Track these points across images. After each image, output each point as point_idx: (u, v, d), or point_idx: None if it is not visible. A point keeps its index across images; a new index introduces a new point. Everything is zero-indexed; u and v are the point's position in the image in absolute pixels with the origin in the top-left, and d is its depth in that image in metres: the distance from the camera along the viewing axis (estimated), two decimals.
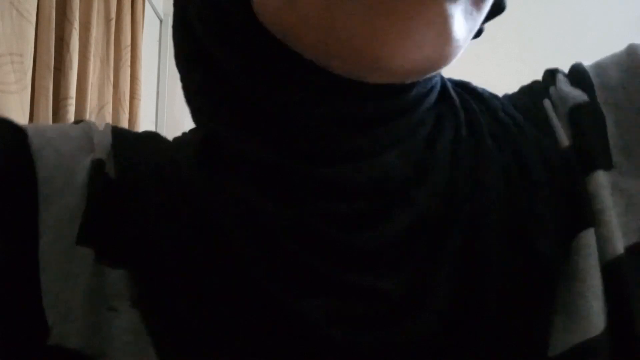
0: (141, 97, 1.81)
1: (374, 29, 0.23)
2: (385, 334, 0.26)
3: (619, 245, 0.28)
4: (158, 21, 2.19)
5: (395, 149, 0.28)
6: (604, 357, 0.26)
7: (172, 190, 0.30)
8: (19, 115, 1.15)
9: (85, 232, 0.28)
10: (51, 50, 1.29)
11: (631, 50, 0.33)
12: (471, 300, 0.27)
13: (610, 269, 0.27)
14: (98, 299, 0.27)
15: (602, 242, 0.28)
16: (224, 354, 0.26)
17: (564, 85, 0.33)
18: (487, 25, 0.32)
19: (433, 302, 0.26)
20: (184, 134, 0.35)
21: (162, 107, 2.16)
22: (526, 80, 0.38)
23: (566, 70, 0.35)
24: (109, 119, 1.60)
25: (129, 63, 1.73)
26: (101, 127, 0.34)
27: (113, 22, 1.65)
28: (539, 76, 0.37)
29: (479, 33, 0.31)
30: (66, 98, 1.35)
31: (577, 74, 0.34)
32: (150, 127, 2.07)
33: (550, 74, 0.35)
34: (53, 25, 1.29)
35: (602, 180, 0.29)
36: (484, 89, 0.35)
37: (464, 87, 0.35)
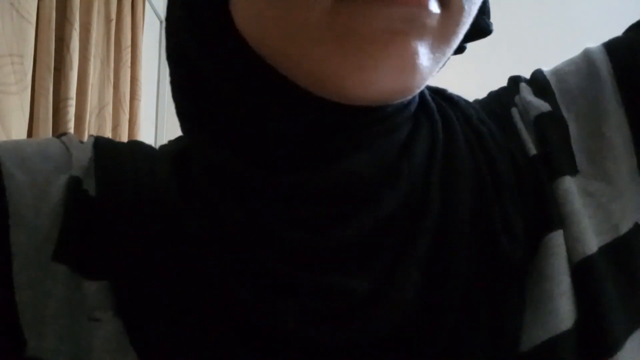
0: (141, 97, 1.81)
1: (338, 60, 0.24)
2: (352, 331, 0.27)
3: (591, 245, 0.29)
4: (158, 22, 2.19)
5: (366, 153, 0.29)
6: (572, 351, 0.27)
7: (148, 203, 0.31)
8: (19, 116, 1.16)
9: (60, 249, 0.29)
10: (51, 51, 1.29)
11: (588, 57, 0.34)
12: (438, 297, 0.28)
13: (582, 268, 0.29)
14: (76, 312, 0.28)
15: (572, 242, 0.29)
16: (198, 356, 0.27)
17: (527, 94, 0.34)
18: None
19: (400, 299, 0.27)
20: (169, 142, 0.36)
21: (163, 108, 2.16)
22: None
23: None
24: (109, 119, 1.60)
25: (129, 64, 1.74)
26: (85, 139, 0.34)
27: (113, 23, 1.66)
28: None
29: (461, 50, 0.33)
30: (66, 99, 1.36)
31: (539, 83, 0.35)
32: (151, 128, 2.07)
33: (514, 82, 0.36)
34: (53, 26, 1.30)
35: (569, 185, 0.30)
36: (459, 96, 0.37)
37: (440, 95, 0.36)
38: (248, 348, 0.27)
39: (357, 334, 0.27)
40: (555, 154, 0.32)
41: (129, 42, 1.75)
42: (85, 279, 0.28)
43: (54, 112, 1.32)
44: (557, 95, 0.34)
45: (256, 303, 0.27)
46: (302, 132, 0.28)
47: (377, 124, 0.29)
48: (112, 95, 1.64)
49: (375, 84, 0.24)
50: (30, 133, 1.25)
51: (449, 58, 0.28)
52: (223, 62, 0.28)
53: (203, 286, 0.28)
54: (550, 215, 0.30)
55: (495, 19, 0.35)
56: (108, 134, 1.59)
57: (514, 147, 0.33)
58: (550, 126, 0.32)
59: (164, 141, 0.39)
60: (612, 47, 0.34)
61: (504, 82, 0.38)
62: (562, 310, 0.28)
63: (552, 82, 0.34)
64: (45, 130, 1.26)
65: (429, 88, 0.36)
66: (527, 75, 0.37)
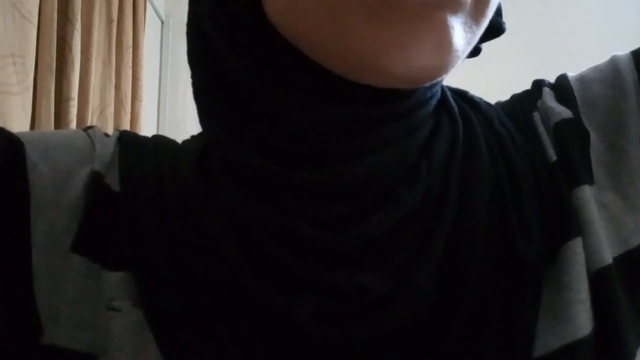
0: (143, 98, 1.81)
1: (375, 37, 0.24)
2: (367, 328, 0.27)
3: (607, 256, 0.29)
4: (160, 22, 2.19)
5: (390, 150, 0.29)
6: (588, 359, 0.27)
7: (170, 198, 0.31)
8: (21, 117, 1.16)
9: (80, 240, 0.29)
10: (53, 52, 1.29)
11: (614, 65, 0.34)
12: (452, 297, 0.28)
13: (599, 278, 0.29)
14: (93, 302, 0.29)
15: (590, 252, 0.29)
16: (217, 347, 0.27)
17: (549, 99, 0.34)
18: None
19: (415, 298, 0.28)
20: (192, 137, 0.36)
21: (164, 109, 2.16)
22: (528, 82, 0.38)
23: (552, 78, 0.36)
24: (110, 120, 1.60)
25: (130, 64, 1.74)
26: (110, 133, 0.35)
27: (115, 24, 1.65)
28: (540, 76, 0.37)
29: (477, 52, 0.33)
30: (68, 99, 1.35)
31: (562, 88, 0.35)
32: (152, 129, 2.07)
33: (537, 87, 0.36)
34: (55, 27, 1.29)
35: (588, 194, 0.30)
36: (480, 99, 0.36)
37: (462, 96, 0.36)
38: (265, 341, 0.27)
39: (371, 332, 0.27)
40: (574, 161, 0.31)
41: (130, 43, 1.74)
42: (105, 270, 0.29)
43: (56, 112, 1.32)
44: (579, 102, 0.33)
45: (273, 298, 0.27)
46: (327, 128, 0.28)
47: (400, 119, 0.29)
48: (113, 95, 1.64)
49: (414, 60, 0.24)
50: None
51: (474, 47, 0.29)
52: (254, 54, 0.28)
53: (221, 280, 0.28)
54: (568, 223, 0.30)
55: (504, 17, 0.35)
56: None
57: (534, 152, 0.33)
58: (570, 134, 0.32)
59: None
60: (639, 56, 0.33)
61: (510, 84, 0.38)
62: (579, 318, 0.28)
63: (576, 88, 0.34)
64: None
65: (451, 89, 0.36)
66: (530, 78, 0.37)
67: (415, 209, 0.29)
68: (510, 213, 0.30)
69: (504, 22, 0.34)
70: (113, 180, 0.32)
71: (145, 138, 0.36)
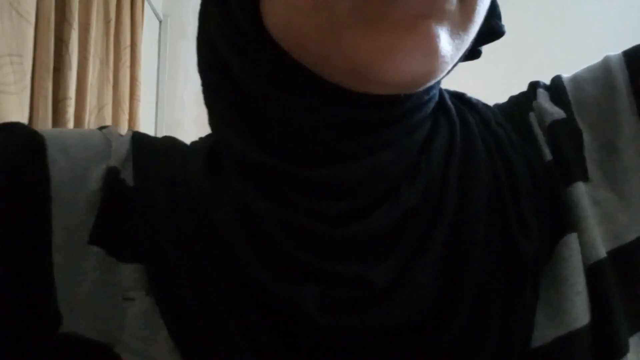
0: (140, 97, 1.81)
1: (367, 48, 0.25)
2: (368, 319, 0.28)
3: (601, 250, 0.30)
4: (157, 22, 2.19)
5: (390, 149, 0.30)
6: (585, 349, 0.28)
7: (181, 194, 0.33)
8: (19, 116, 1.15)
9: (97, 233, 0.31)
10: (50, 51, 1.29)
11: (606, 65, 0.34)
12: (452, 290, 0.29)
13: (594, 271, 0.30)
14: (109, 292, 0.30)
15: (585, 247, 0.30)
16: (226, 334, 0.29)
17: (543, 100, 0.35)
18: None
19: (415, 291, 0.29)
20: (200, 139, 0.38)
21: (162, 108, 2.16)
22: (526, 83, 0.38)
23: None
24: (108, 120, 1.60)
25: (128, 64, 1.73)
26: (124, 133, 0.37)
27: (112, 23, 1.65)
28: (539, 78, 0.38)
29: (477, 55, 0.34)
30: (65, 99, 1.35)
31: (556, 89, 0.36)
32: (150, 128, 2.07)
33: (532, 88, 0.37)
34: (52, 26, 1.29)
35: (581, 190, 0.32)
36: (478, 100, 0.38)
37: (459, 99, 0.37)
38: (271, 330, 0.28)
39: (374, 322, 0.28)
40: (568, 160, 0.32)
41: (128, 42, 1.74)
42: (120, 262, 0.30)
43: (54, 112, 1.32)
44: (573, 102, 0.34)
45: (279, 288, 0.28)
46: (329, 130, 0.30)
47: (398, 120, 0.30)
48: (111, 95, 1.64)
49: (403, 68, 0.25)
50: None
51: (468, 50, 0.30)
52: (257, 64, 0.30)
53: (230, 272, 0.30)
54: (564, 219, 0.31)
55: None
56: None
57: (531, 151, 0.34)
58: (563, 133, 0.33)
59: None
60: (630, 55, 0.34)
61: (507, 85, 0.39)
62: (576, 309, 0.29)
63: (569, 89, 0.35)
64: None
65: (449, 92, 0.37)
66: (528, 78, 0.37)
67: (416, 205, 0.30)
68: (509, 210, 0.31)
69: (503, 25, 0.34)
70: (127, 176, 0.33)
71: (156, 138, 0.37)
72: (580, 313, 0.29)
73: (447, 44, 0.26)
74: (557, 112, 0.34)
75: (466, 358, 0.28)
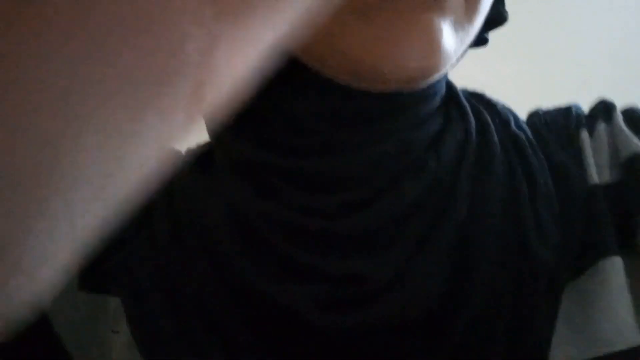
0: None
1: (367, 42, 0.24)
2: (366, 317, 0.27)
3: None
4: None
5: (393, 140, 0.29)
6: None
7: (160, 197, 0.32)
8: None
9: (83, 277, 0.31)
10: None
11: None
12: (459, 291, 0.28)
13: None
14: (102, 328, 0.30)
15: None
16: (204, 357, 0.28)
17: (624, 126, 0.33)
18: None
19: (417, 289, 0.28)
20: (197, 145, 0.38)
21: None
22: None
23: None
24: None
25: None
26: None
27: None
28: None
29: (484, 42, 0.33)
30: None
31: (635, 119, 0.33)
32: None
33: (605, 108, 0.35)
34: None
35: None
36: (497, 101, 0.36)
37: (478, 98, 0.36)
38: (262, 338, 0.28)
39: (372, 320, 0.27)
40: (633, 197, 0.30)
41: None
42: (108, 296, 0.31)
43: None
44: None
45: (273, 288, 0.28)
46: (327, 121, 0.28)
47: (400, 113, 0.29)
48: None
49: (404, 63, 0.24)
50: None
51: (473, 40, 0.29)
52: None
53: (213, 277, 0.29)
54: (606, 241, 0.29)
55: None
56: None
57: (569, 165, 0.32)
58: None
59: None
60: None
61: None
62: (604, 335, 0.27)
63: None
64: None
65: (467, 92, 0.36)
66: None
67: (420, 201, 0.29)
68: (526, 213, 0.30)
69: (506, 11, 0.33)
70: None
71: None
72: (608, 340, 0.27)
73: (450, 38, 0.25)
74: (638, 144, 0.31)
75: None
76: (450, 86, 0.34)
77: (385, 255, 0.28)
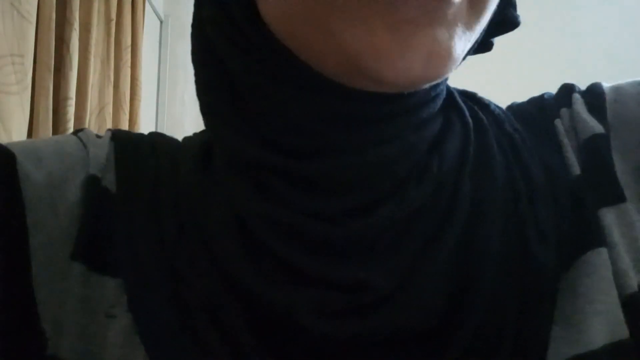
0: (141, 98, 1.81)
1: (366, 44, 0.23)
2: (367, 325, 0.26)
3: (634, 281, 0.28)
4: (158, 22, 2.19)
5: (396, 143, 0.28)
6: None
7: (167, 198, 0.31)
8: (20, 116, 1.15)
9: (78, 248, 0.29)
10: (51, 51, 1.28)
11: None
12: (463, 297, 0.27)
13: (631, 303, 0.28)
14: (93, 310, 0.28)
15: (621, 276, 0.28)
16: (204, 352, 0.27)
17: (581, 109, 0.33)
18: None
19: (421, 297, 0.27)
20: (194, 134, 0.36)
21: (163, 108, 2.16)
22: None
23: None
24: (109, 120, 1.60)
25: (129, 64, 1.73)
26: (102, 133, 0.34)
27: (113, 23, 1.65)
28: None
29: (489, 47, 0.32)
30: (66, 99, 1.35)
31: (594, 98, 0.33)
32: (151, 128, 2.07)
33: (566, 92, 0.34)
34: (53, 26, 1.29)
35: (612, 215, 0.29)
36: (489, 101, 0.36)
37: (470, 98, 0.35)
38: (259, 341, 0.27)
39: (374, 329, 0.26)
40: (603, 180, 0.30)
41: (129, 42, 1.74)
42: (104, 276, 0.29)
43: (54, 112, 1.32)
44: (610, 117, 0.32)
45: (272, 294, 0.27)
46: (328, 123, 0.28)
47: (402, 115, 0.28)
48: (112, 95, 1.63)
49: (405, 67, 0.24)
50: (30, 133, 1.24)
51: (479, 41, 0.28)
52: (253, 57, 0.28)
53: (217, 278, 0.28)
54: (589, 234, 0.29)
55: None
56: None
57: (553, 160, 0.32)
58: (600, 150, 0.31)
59: None
60: None
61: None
62: (593, 329, 0.27)
63: (609, 101, 0.33)
64: (45, 130, 1.25)
65: (458, 91, 0.35)
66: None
67: (424, 206, 0.28)
68: (527, 215, 0.29)
69: (518, 16, 0.32)
70: (110, 182, 0.31)
71: (141, 136, 0.35)
72: (597, 334, 0.27)
73: (453, 44, 0.24)
74: (596, 126, 0.31)
75: None
76: (446, 86, 0.33)
77: (388, 263, 0.27)
